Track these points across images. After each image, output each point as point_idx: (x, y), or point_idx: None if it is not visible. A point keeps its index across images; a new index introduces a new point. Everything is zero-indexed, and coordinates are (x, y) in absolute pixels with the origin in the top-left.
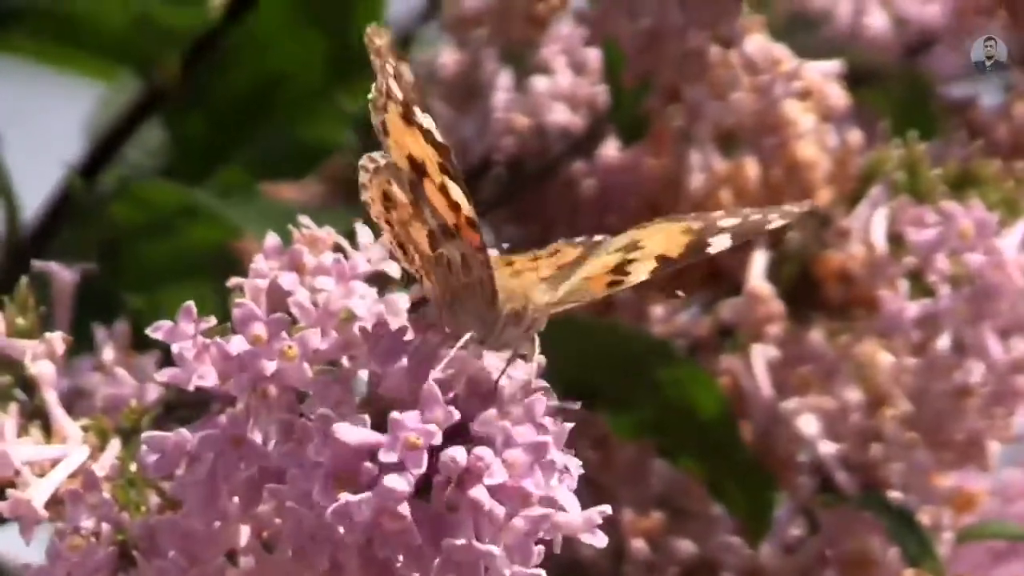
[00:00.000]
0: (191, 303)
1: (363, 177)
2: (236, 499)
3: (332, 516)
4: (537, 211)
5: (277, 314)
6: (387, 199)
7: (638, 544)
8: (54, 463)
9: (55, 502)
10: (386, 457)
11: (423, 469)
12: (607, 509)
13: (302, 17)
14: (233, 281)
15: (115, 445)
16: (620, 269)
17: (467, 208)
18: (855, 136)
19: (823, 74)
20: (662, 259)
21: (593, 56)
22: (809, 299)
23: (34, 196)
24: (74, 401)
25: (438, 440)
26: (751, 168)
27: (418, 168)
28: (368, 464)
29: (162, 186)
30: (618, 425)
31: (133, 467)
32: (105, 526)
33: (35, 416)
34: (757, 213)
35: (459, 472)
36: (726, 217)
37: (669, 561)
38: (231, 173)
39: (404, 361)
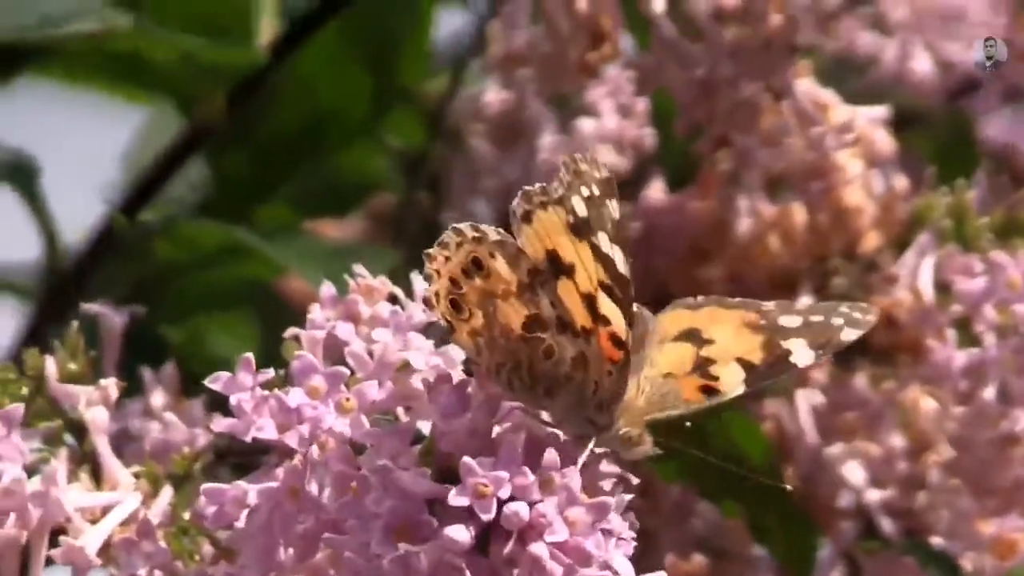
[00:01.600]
0: (250, 355)
1: (451, 237)
2: (291, 550)
3: (390, 565)
4: None
5: (335, 367)
6: (476, 266)
7: None
8: (105, 510)
9: (106, 548)
10: (455, 501)
11: (491, 516)
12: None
13: (348, 56)
14: (290, 332)
15: (167, 492)
16: (702, 368)
17: (622, 330)
18: (901, 182)
19: (870, 119)
20: (747, 366)
21: (640, 100)
22: (854, 345)
23: (70, 221)
24: (121, 445)
25: (507, 491)
26: (798, 213)
27: (559, 267)
28: (428, 516)
29: (206, 225)
30: (663, 469)
31: (186, 515)
32: (159, 574)
33: (84, 461)
34: (817, 315)
35: (521, 527)
36: (783, 313)
37: None
38: (273, 210)
39: (468, 416)
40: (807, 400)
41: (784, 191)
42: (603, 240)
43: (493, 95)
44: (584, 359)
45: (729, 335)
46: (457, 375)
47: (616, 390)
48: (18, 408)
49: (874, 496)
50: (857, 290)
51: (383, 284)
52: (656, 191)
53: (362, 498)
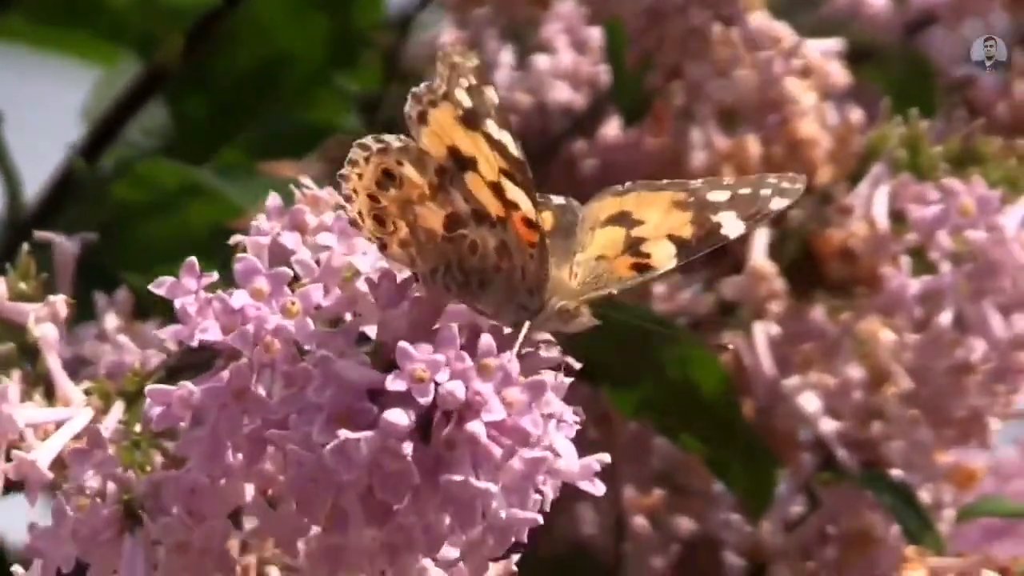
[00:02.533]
0: (194, 259)
1: (358, 153)
2: (240, 455)
3: (330, 454)
4: (538, 190)
5: (278, 268)
6: (388, 176)
7: (639, 521)
8: (58, 426)
9: (59, 465)
10: (393, 386)
11: (429, 399)
12: (605, 458)
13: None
14: (235, 239)
15: (119, 407)
16: (635, 249)
17: (529, 211)
18: (856, 114)
19: (823, 52)
20: (678, 242)
21: (595, 35)
22: (810, 276)
23: (33, 179)
24: (77, 369)
25: (445, 376)
26: (752, 145)
27: (463, 161)
28: (367, 404)
29: (163, 166)
30: (620, 403)
31: (138, 428)
32: (110, 485)
33: (37, 382)
34: (746, 187)
35: (458, 407)
36: (711, 189)
37: (670, 538)
38: (231, 153)
39: (405, 305)
40: (764, 332)
41: (738, 124)
42: (492, 127)
43: (449, 35)
44: (506, 247)
45: (659, 215)
46: (402, 275)
47: (540, 272)
48: None
49: (831, 427)
50: (812, 222)
51: (330, 195)
52: (612, 128)
53: (305, 392)
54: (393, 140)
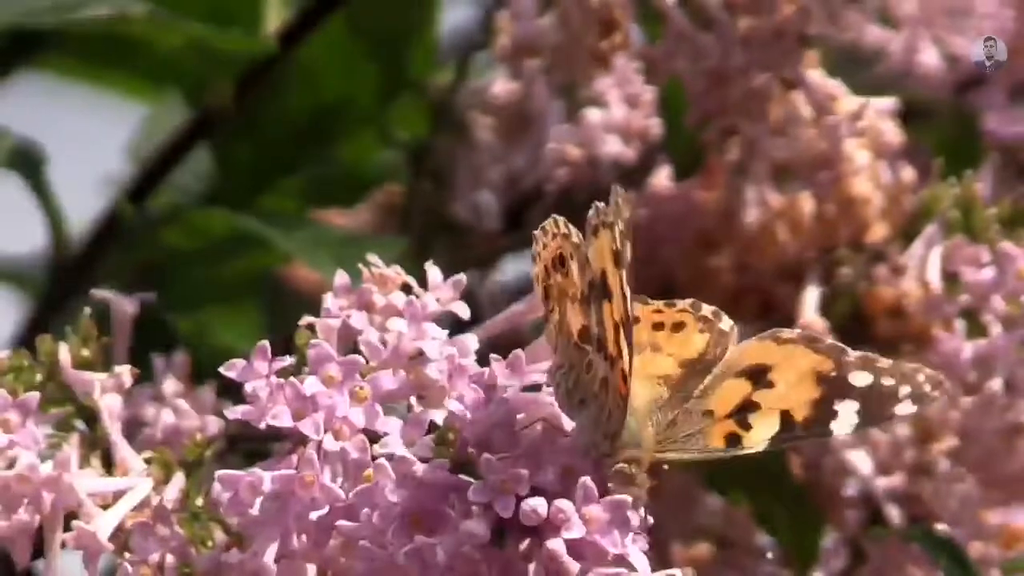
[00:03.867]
0: (266, 343)
1: (548, 225)
2: (303, 538)
3: (406, 557)
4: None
5: (351, 356)
6: (560, 263)
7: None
8: (117, 495)
9: (118, 534)
10: (476, 497)
11: (511, 513)
12: (676, 573)
13: (355, 46)
14: (304, 320)
15: (179, 478)
16: (742, 414)
17: (626, 368)
18: (908, 173)
19: (878, 110)
20: (785, 418)
21: (647, 89)
22: (859, 334)
23: (74, 213)
24: (132, 431)
25: (525, 488)
26: (806, 203)
27: (606, 290)
28: (444, 507)
29: (213, 213)
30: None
31: (199, 501)
32: (170, 559)
33: (95, 447)
34: (889, 377)
35: (539, 523)
36: (859, 370)
37: None
38: (277, 199)
39: (492, 408)
40: None
41: (791, 181)
42: (625, 278)
43: (501, 86)
44: (607, 384)
45: (792, 383)
46: (471, 364)
47: (618, 425)
48: (34, 396)
49: (881, 483)
50: (863, 280)
51: (397, 273)
52: (662, 179)
53: (378, 487)
54: (574, 233)
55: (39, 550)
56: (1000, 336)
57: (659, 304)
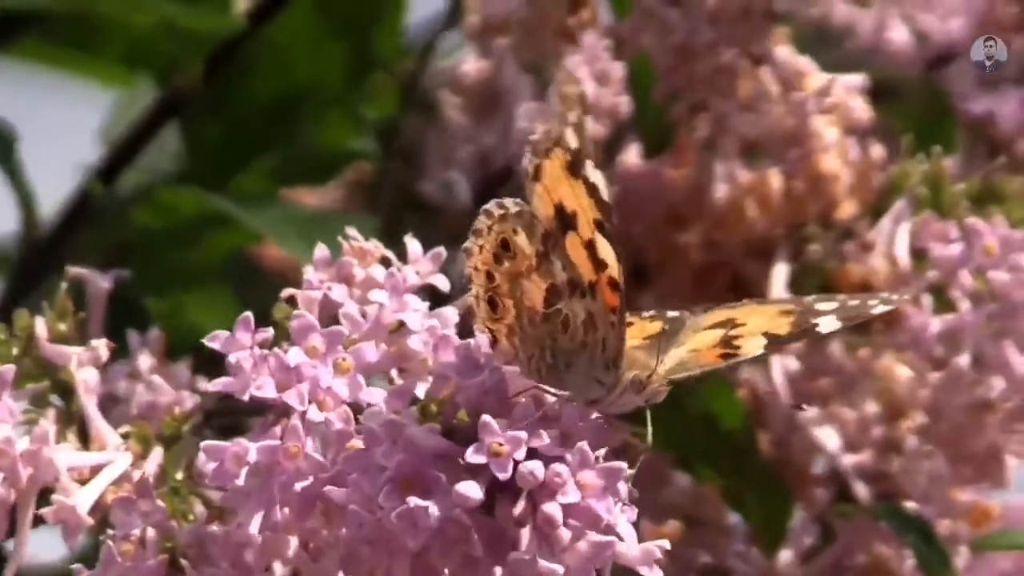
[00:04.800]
0: (249, 314)
1: (482, 222)
2: (287, 510)
3: (397, 519)
4: None
5: (334, 327)
6: (504, 248)
7: None
8: (94, 470)
9: (95, 508)
10: (473, 459)
11: (508, 475)
12: (665, 544)
13: (324, 26)
14: (286, 292)
15: (158, 452)
16: (727, 343)
17: (615, 269)
18: (877, 150)
19: (847, 88)
20: (770, 336)
21: (616, 66)
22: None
23: (45, 199)
24: (107, 407)
25: (522, 452)
26: (775, 179)
27: (566, 220)
28: (436, 471)
29: (184, 192)
30: (639, 435)
31: (179, 475)
32: (152, 533)
33: (71, 422)
34: (855, 299)
35: (535, 486)
36: (821, 302)
37: (685, 569)
38: (247, 179)
39: (484, 374)
40: (782, 366)
41: (760, 157)
42: (591, 170)
43: (470, 64)
44: (592, 319)
45: (762, 319)
46: (454, 335)
47: (618, 342)
48: (9, 369)
49: (849, 460)
50: (832, 257)
51: (376, 247)
52: (632, 157)
53: (369, 451)
54: (511, 204)
55: (12, 526)
56: (968, 311)
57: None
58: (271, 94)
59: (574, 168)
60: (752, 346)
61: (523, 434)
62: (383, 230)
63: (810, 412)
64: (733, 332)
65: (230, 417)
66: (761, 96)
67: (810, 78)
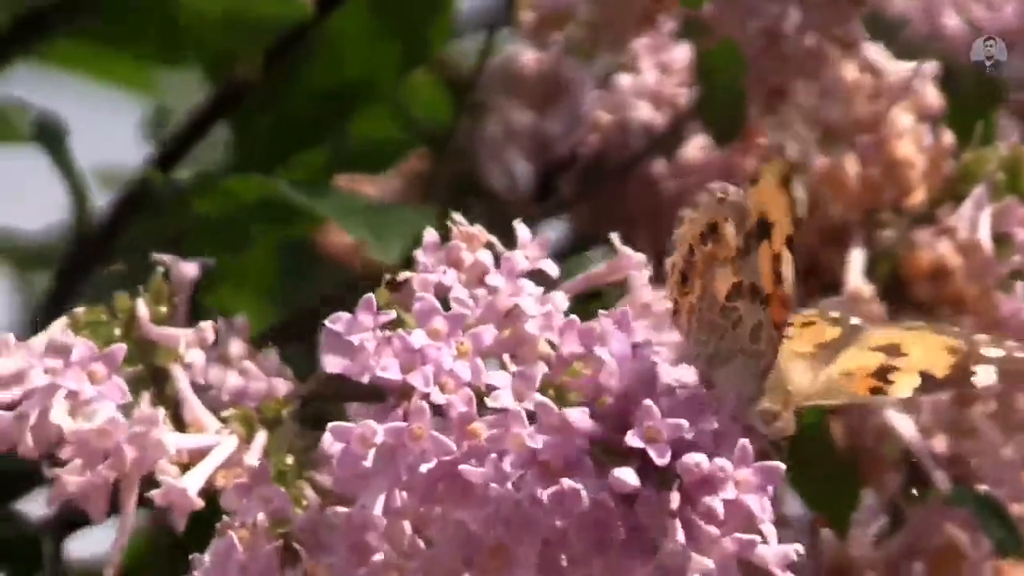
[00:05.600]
0: (371, 296)
1: (702, 197)
2: (405, 493)
3: (549, 500)
4: (618, 209)
5: (456, 310)
6: (712, 230)
7: None
8: (193, 454)
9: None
10: (632, 442)
11: (667, 462)
12: (800, 547)
13: (379, 22)
14: (403, 275)
15: (262, 436)
16: (882, 374)
17: (789, 288)
18: (948, 136)
19: (920, 75)
20: (926, 377)
21: (680, 55)
22: (897, 297)
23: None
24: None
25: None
26: (851, 166)
27: (764, 228)
28: (587, 456)
29: (246, 179)
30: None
31: (289, 459)
32: (262, 518)
33: (165, 407)
34: (1020, 351)
35: (698, 478)
36: (989, 346)
37: None
38: (295, 173)
39: (639, 366)
40: None
41: (834, 144)
42: (798, 187)
43: (529, 57)
44: (759, 329)
45: (925, 353)
46: (576, 320)
47: (772, 358)
48: (120, 348)
49: (923, 445)
50: (902, 243)
51: (481, 232)
52: (694, 149)
53: (509, 432)
54: (733, 192)
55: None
56: None
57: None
58: (323, 88)
59: (785, 181)
60: (903, 386)
61: (684, 422)
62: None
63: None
64: (893, 362)
65: (327, 402)
66: (848, 84)
67: (891, 66)
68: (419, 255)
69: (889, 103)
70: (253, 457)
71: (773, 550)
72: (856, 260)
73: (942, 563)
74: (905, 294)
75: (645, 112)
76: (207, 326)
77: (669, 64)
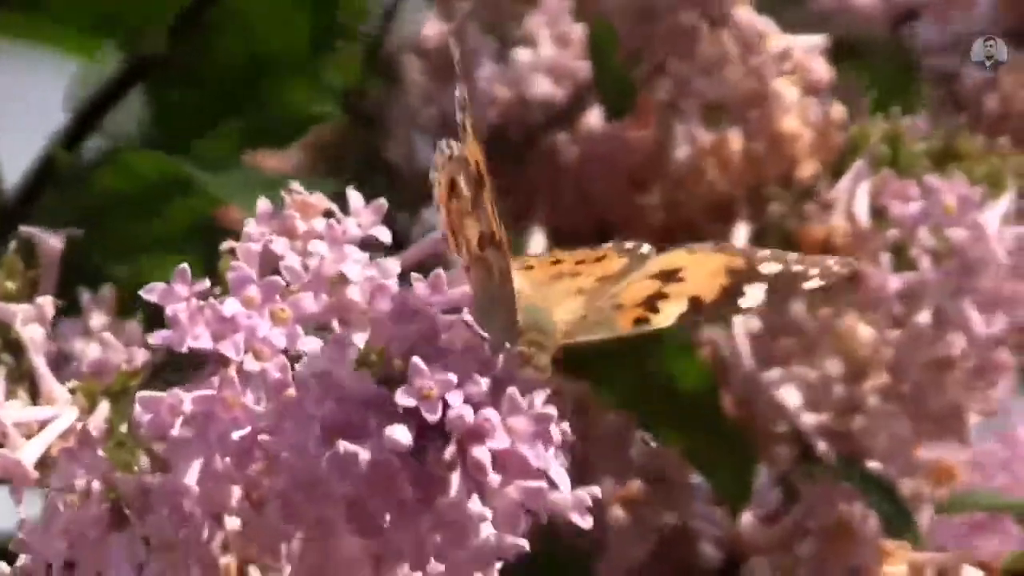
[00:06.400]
0: (185, 265)
1: (437, 158)
2: (227, 460)
3: (328, 463)
4: (519, 182)
5: (271, 277)
6: (453, 187)
7: (617, 512)
8: (42, 425)
9: (43, 464)
10: (402, 400)
11: (437, 417)
12: (596, 491)
13: None
14: (226, 244)
15: (104, 407)
16: (651, 302)
17: (501, 232)
18: (837, 110)
19: (807, 48)
20: (694, 302)
21: (577, 29)
22: None
23: (12, 172)
24: (59, 364)
25: (457, 397)
26: (735, 141)
27: (481, 176)
28: (366, 417)
29: (148, 156)
30: (601, 395)
31: (123, 428)
32: (96, 484)
33: (22, 379)
34: (799, 264)
35: (464, 431)
36: (769, 261)
37: (648, 529)
38: (211, 144)
39: (418, 326)
40: (744, 326)
41: (720, 119)
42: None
43: (432, 27)
44: (505, 274)
45: (703, 276)
46: (392, 285)
47: (511, 306)
48: None
49: (811, 420)
50: (792, 217)
51: (319, 200)
52: (593, 119)
53: (301, 400)
54: (455, 147)
55: None
56: (928, 269)
57: (586, 249)
58: (236, 59)
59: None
60: (668, 314)
61: (453, 377)
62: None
63: (773, 372)
64: (665, 290)
65: (179, 372)
66: (721, 58)
67: (770, 39)
68: (249, 224)
69: (765, 79)
70: (92, 426)
71: (567, 496)
72: (740, 232)
73: (833, 541)
74: None
75: (544, 87)
76: (45, 301)
77: (567, 36)
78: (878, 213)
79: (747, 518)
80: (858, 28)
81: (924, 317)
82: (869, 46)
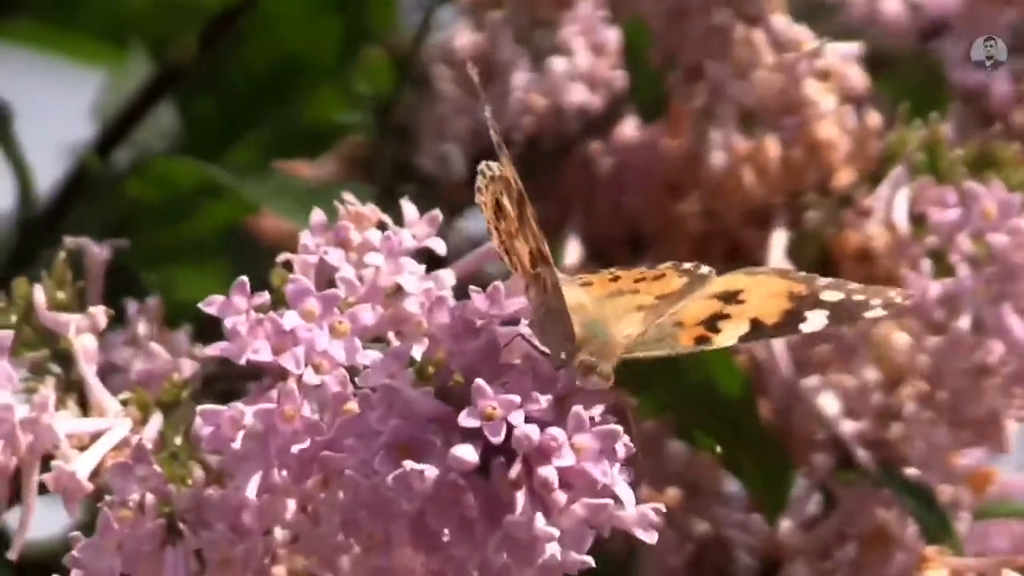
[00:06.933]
0: (244, 278)
1: (479, 181)
2: (285, 472)
3: (394, 483)
4: (554, 190)
5: (330, 290)
6: (498, 208)
7: None
8: (94, 436)
9: (96, 475)
10: (465, 422)
11: (501, 438)
12: (660, 507)
13: (317, 1)
14: (282, 257)
15: (157, 418)
16: (712, 322)
17: (544, 247)
18: (874, 117)
19: (843, 56)
20: (755, 323)
21: (612, 37)
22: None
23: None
24: (106, 375)
25: (518, 416)
26: (772, 147)
27: (522, 195)
28: (431, 436)
29: (180, 163)
30: (639, 403)
31: (178, 440)
32: (150, 498)
33: (71, 389)
34: (860, 294)
35: (531, 449)
36: (830, 289)
37: (684, 537)
38: (242, 153)
39: (480, 339)
40: None
41: (758, 126)
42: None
43: (465, 38)
44: (557, 288)
45: (762, 298)
46: (449, 297)
47: (565, 311)
48: (8, 334)
49: (849, 427)
50: (830, 224)
51: (372, 211)
52: (628, 128)
53: (364, 416)
54: (495, 168)
55: (17, 493)
56: (967, 275)
57: (643, 268)
58: (265, 68)
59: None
60: (729, 334)
61: (516, 397)
62: (379, 202)
63: (811, 379)
64: (727, 309)
65: (229, 383)
66: (755, 61)
67: (805, 45)
68: (304, 236)
69: (797, 78)
70: (145, 439)
71: (632, 512)
72: (778, 241)
73: (872, 547)
74: (833, 275)
75: (580, 95)
76: (98, 311)
77: (602, 45)
78: (917, 220)
79: (786, 524)
80: (887, 41)
81: (963, 323)
82: (897, 59)
